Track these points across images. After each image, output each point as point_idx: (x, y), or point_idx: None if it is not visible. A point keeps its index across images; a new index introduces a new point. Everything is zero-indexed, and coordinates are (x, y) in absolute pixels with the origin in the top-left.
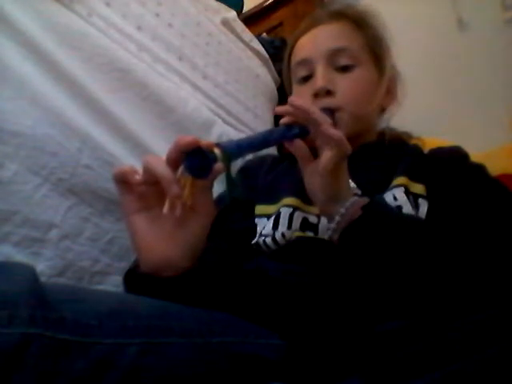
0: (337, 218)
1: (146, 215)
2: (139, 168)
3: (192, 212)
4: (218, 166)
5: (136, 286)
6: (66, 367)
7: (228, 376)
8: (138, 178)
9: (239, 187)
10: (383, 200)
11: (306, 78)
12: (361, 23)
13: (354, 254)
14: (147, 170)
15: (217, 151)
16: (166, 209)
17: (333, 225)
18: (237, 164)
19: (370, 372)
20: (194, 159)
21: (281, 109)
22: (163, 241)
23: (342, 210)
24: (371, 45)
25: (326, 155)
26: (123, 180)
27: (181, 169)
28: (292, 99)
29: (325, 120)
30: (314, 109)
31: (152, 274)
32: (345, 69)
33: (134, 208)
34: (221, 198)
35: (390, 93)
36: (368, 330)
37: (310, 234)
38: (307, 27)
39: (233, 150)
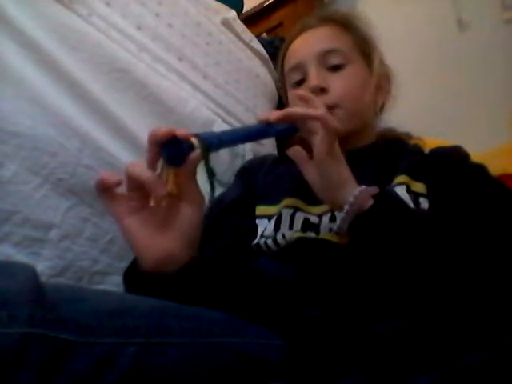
0: (346, 206)
1: (137, 216)
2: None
3: (181, 202)
4: (195, 154)
5: (138, 285)
6: (66, 367)
7: (228, 376)
8: (119, 183)
9: (217, 177)
10: (393, 191)
11: (300, 82)
12: (348, 25)
13: (363, 244)
14: (131, 178)
15: (194, 140)
16: (152, 202)
17: (342, 214)
18: (237, 164)
19: (371, 372)
20: (172, 148)
21: (275, 115)
22: (160, 236)
23: (351, 199)
24: (359, 44)
25: (317, 139)
26: (106, 190)
27: (161, 160)
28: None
29: (312, 102)
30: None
31: (155, 272)
32: (336, 68)
33: (123, 213)
34: (222, 196)
35: (382, 89)
36: (368, 330)
37: (311, 234)
38: (297, 33)
39: (212, 141)
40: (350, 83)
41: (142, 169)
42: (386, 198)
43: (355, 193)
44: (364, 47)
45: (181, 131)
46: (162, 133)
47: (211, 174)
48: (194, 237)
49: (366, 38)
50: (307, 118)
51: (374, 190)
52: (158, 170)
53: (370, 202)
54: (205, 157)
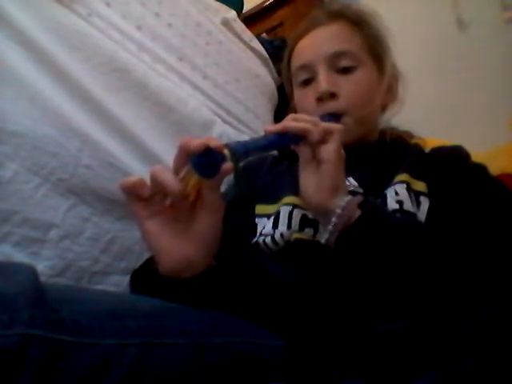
0: (333, 219)
1: (157, 220)
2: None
3: (201, 210)
4: (228, 166)
5: (151, 287)
6: (67, 368)
7: (228, 376)
8: (147, 191)
9: (247, 187)
10: (378, 201)
11: (307, 81)
12: (359, 23)
13: (352, 257)
14: (155, 182)
15: (226, 152)
16: (168, 200)
17: (330, 227)
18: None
19: (371, 372)
20: (203, 159)
21: (276, 127)
22: (179, 241)
23: (338, 211)
24: (370, 44)
25: (330, 144)
26: (132, 192)
27: (186, 168)
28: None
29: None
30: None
31: (171, 276)
32: (346, 70)
33: (146, 214)
34: (223, 195)
35: (391, 91)
36: (369, 331)
37: (309, 230)
38: (306, 29)
39: (241, 151)
40: (361, 88)
41: (168, 176)
42: (371, 209)
43: (342, 204)
44: (376, 48)
45: (214, 142)
46: (195, 145)
47: (240, 184)
48: (213, 244)
49: (377, 37)
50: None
51: (359, 199)
52: (181, 175)
53: (357, 213)
54: (235, 167)
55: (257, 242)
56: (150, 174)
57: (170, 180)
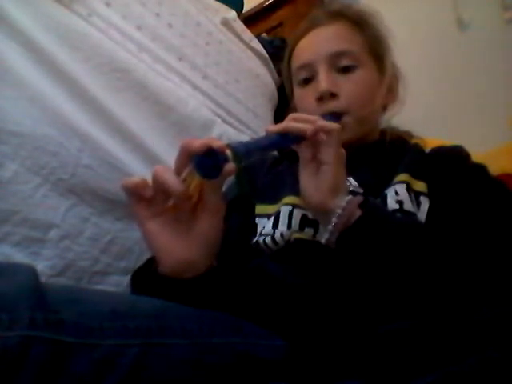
0: (333, 219)
1: (158, 221)
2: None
3: (202, 212)
4: (230, 166)
5: (152, 287)
6: (67, 369)
7: (228, 376)
8: (149, 192)
9: (249, 187)
10: (378, 201)
11: (308, 81)
12: (360, 23)
13: (353, 257)
14: (157, 183)
15: (228, 152)
16: (171, 201)
17: (330, 227)
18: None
19: (371, 372)
20: (205, 160)
21: (278, 127)
22: (180, 242)
23: (339, 211)
24: (371, 44)
25: (330, 144)
26: (135, 192)
27: (188, 168)
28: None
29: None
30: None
31: (172, 277)
32: (346, 70)
33: (147, 215)
34: (223, 195)
35: (392, 91)
36: (369, 331)
37: (309, 230)
38: (306, 29)
39: (243, 152)
40: (361, 88)
41: (170, 176)
42: (372, 209)
43: (342, 204)
44: (376, 48)
45: (217, 143)
46: (197, 145)
47: (243, 185)
48: (214, 245)
49: (378, 37)
50: (320, 130)
51: (359, 199)
52: (183, 175)
53: (358, 212)
54: (238, 168)
55: (257, 241)
56: (152, 174)
57: (172, 180)
